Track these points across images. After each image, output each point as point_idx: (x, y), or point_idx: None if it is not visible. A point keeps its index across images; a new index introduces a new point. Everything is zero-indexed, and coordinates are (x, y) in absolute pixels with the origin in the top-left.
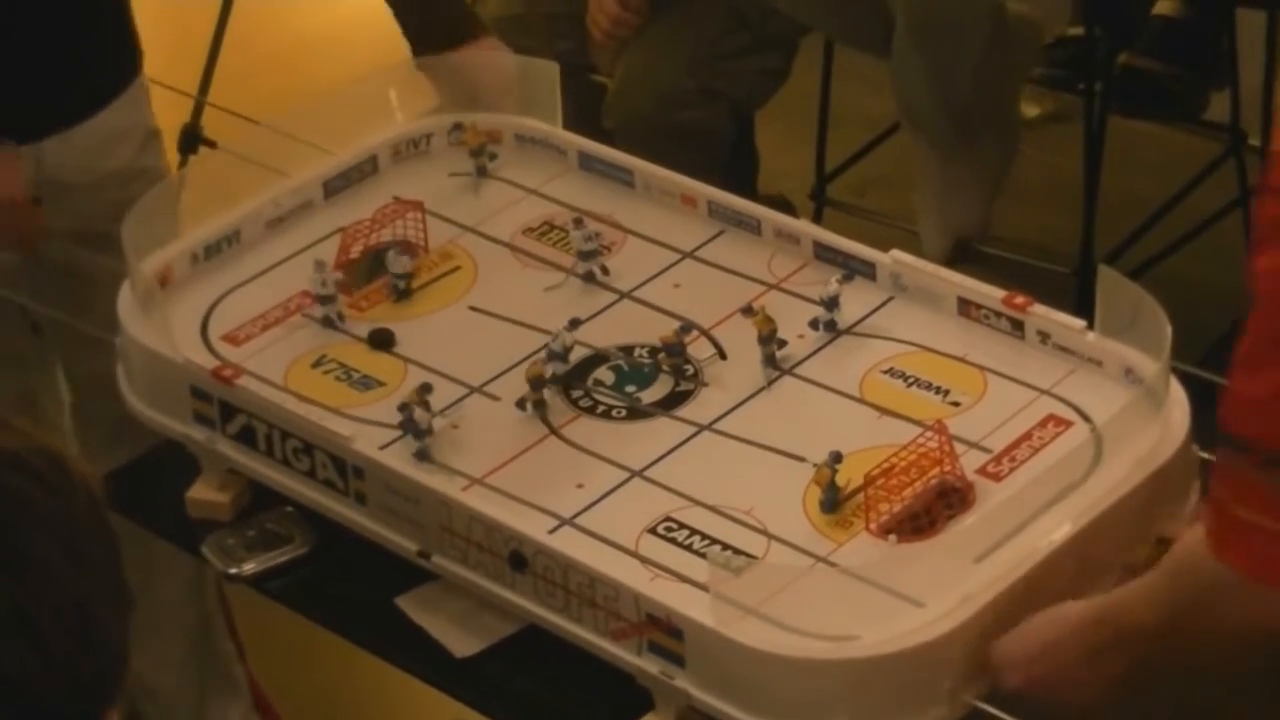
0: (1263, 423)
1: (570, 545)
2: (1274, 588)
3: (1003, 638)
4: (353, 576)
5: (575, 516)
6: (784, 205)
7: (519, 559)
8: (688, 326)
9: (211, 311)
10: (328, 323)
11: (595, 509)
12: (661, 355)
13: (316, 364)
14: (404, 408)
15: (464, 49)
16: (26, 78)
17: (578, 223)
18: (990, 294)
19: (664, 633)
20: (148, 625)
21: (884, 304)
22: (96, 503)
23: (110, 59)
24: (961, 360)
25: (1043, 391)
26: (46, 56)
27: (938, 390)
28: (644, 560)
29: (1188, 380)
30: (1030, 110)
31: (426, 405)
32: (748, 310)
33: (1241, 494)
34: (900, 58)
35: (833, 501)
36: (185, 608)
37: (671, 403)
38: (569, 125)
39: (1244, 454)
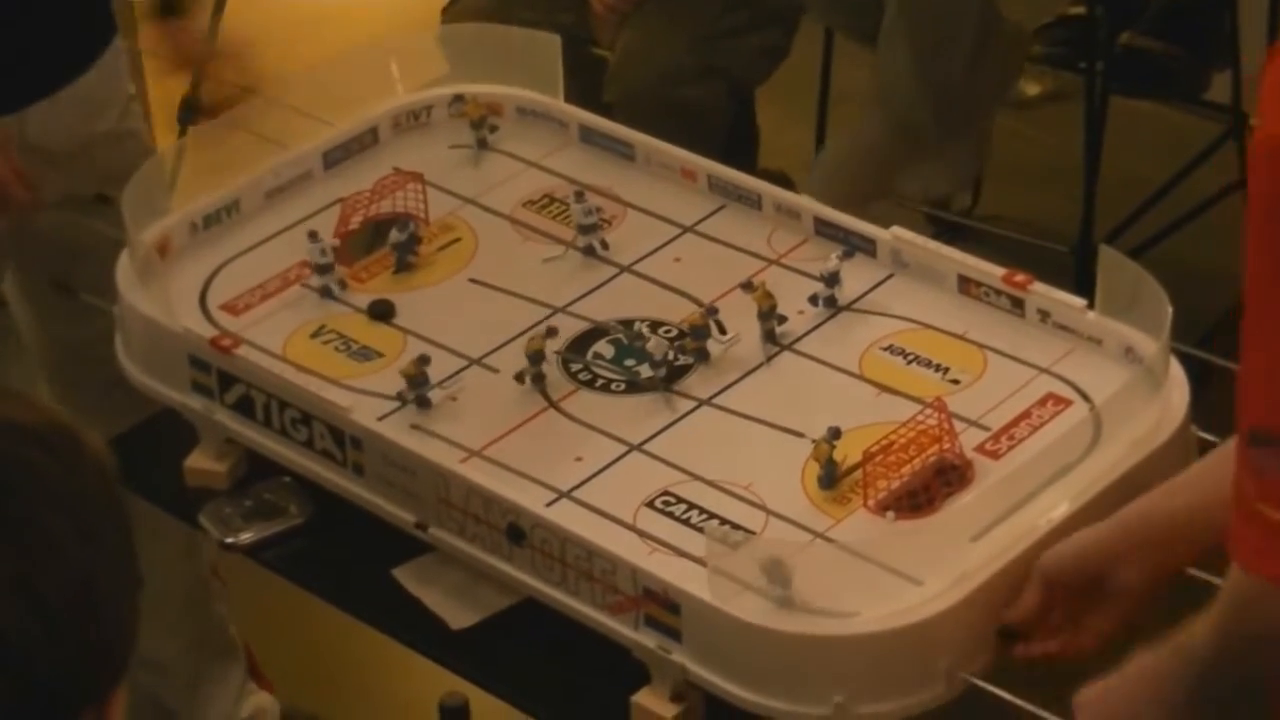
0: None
1: (568, 518)
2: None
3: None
4: (349, 547)
5: (573, 490)
6: (784, 181)
7: (517, 531)
8: (712, 309)
9: (210, 281)
10: (326, 293)
11: (593, 482)
12: (687, 339)
13: (315, 334)
14: (403, 379)
15: None
16: (3, 47)
17: (579, 196)
18: (990, 272)
19: (661, 607)
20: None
21: (884, 281)
22: (109, 480)
23: (87, 24)
24: (961, 338)
25: (1042, 370)
26: (22, 24)
27: (937, 367)
28: (642, 534)
29: (1187, 360)
30: (1030, 89)
31: (425, 377)
32: (748, 286)
33: (1266, 491)
34: (888, 43)
35: (830, 477)
36: (178, 571)
37: (671, 377)
38: (569, 99)
39: (1268, 446)
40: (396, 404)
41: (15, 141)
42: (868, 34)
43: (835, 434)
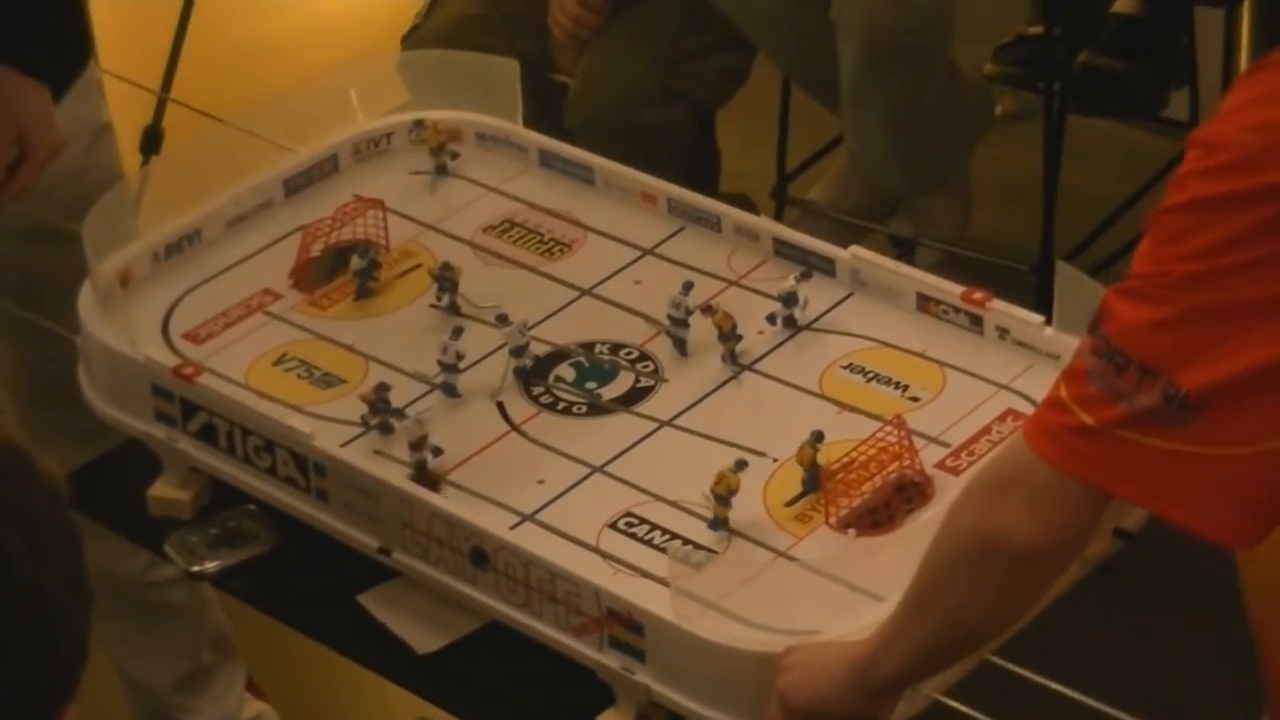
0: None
1: (531, 541)
2: (1044, 459)
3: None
4: (315, 574)
5: (536, 512)
6: (746, 204)
7: (480, 555)
8: (685, 292)
9: (173, 310)
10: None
11: (556, 505)
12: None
13: (278, 361)
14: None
15: None
16: None
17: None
18: (949, 289)
19: (624, 628)
20: None
21: (843, 300)
22: (58, 495)
23: (56, 52)
24: (920, 355)
25: (1001, 386)
26: None
27: (897, 385)
28: (605, 555)
29: None
30: None
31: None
32: (707, 309)
33: (1070, 376)
34: (855, 109)
35: (814, 480)
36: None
37: (632, 399)
38: (530, 126)
39: (1110, 362)
40: (360, 430)
41: None
42: (823, 93)
43: (819, 437)
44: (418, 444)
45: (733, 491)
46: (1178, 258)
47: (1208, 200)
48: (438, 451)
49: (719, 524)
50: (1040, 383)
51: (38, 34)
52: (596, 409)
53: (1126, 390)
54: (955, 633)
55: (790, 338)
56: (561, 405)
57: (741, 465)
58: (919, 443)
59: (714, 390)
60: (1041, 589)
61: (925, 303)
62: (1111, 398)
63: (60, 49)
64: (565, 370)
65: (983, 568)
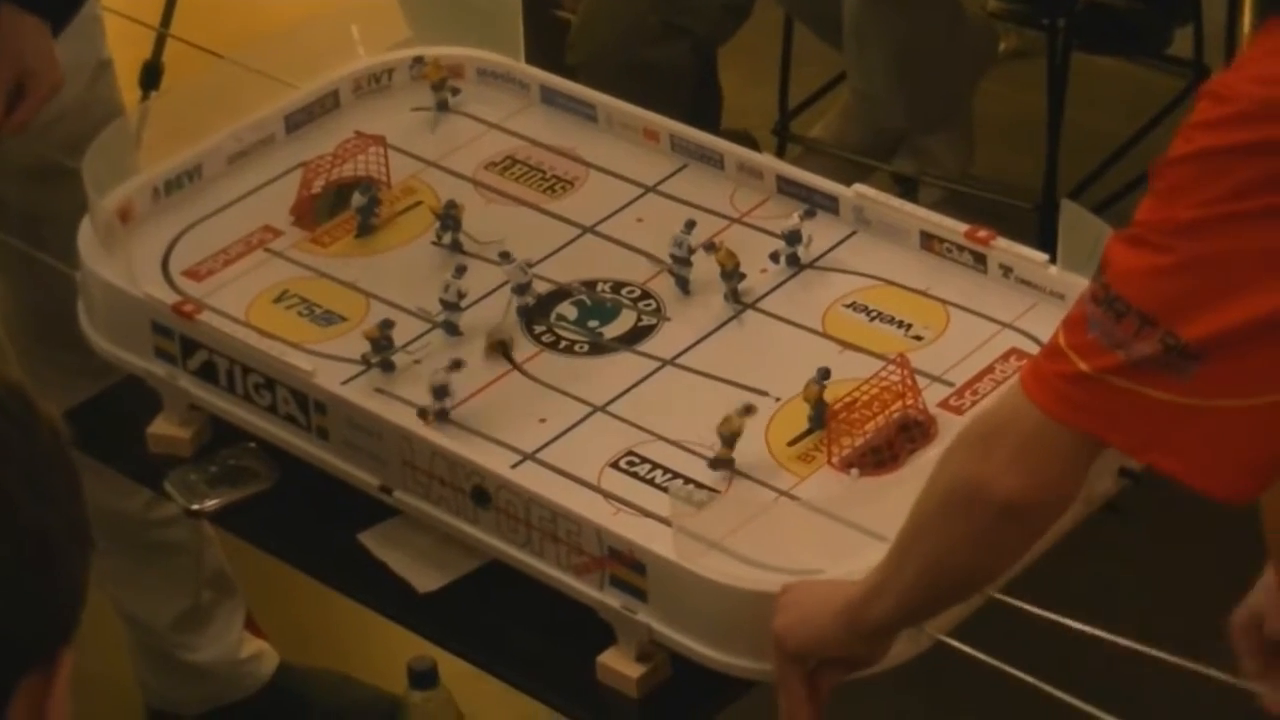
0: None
1: (533, 480)
2: (1036, 405)
3: None
4: (315, 512)
5: (538, 451)
6: (749, 140)
7: (481, 494)
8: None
9: (173, 247)
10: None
11: (558, 444)
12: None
13: (278, 299)
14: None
15: None
16: None
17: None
18: (953, 228)
19: (626, 567)
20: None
21: (847, 238)
22: (59, 438)
23: None
24: (924, 294)
25: (1005, 325)
26: None
27: (900, 324)
28: (606, 495)
29: None
30: None
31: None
32: (709, 247)
33: (1070, 323)
34: (859, 47)
35: (820, 419)
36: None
37: (634, 338)
38: (532, 62)
39: (1110, 309)
40: (360, 368)
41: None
42: (826, 29)
43: (825, 374)
44: (439, 391)
45: (737, 434)
46: (1181, 206)
47: (1214, 151)
48: (443, 393)
49: (720, 463)
50: (1044, 322)
51: None
52: (598, 348)
53: (1124, 338)
54: (940, 580)
55: (793, 276)
56: (563, 344)
57: (749, 410)
58: (922, 382)
59: (716, 329)
60: (1024, 543)
61: (929, 241)
62: (1109, 345)
63: None
64: (567, 309)
65: (963, 516)
